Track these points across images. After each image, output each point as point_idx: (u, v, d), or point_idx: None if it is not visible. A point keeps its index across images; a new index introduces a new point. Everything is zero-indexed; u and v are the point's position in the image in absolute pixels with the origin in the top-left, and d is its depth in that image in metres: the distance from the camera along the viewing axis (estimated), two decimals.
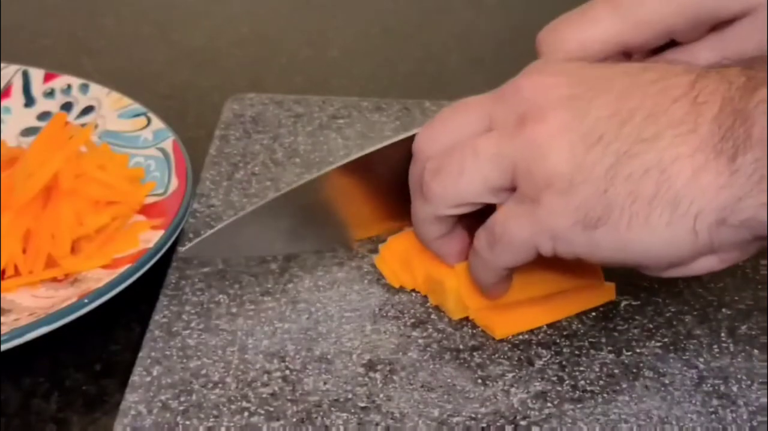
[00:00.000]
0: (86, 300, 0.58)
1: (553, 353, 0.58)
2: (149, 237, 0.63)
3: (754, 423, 0.54)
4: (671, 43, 0.59)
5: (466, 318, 0.60)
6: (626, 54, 0.58)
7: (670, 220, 0.50)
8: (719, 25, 0.57)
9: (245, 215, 0.60)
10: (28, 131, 0.73)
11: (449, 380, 0.56)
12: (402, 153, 0.60)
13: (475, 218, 0.57)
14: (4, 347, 0.56)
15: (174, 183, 0.67)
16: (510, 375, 0.57)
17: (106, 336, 0.61)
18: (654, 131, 0.50)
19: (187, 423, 0.53)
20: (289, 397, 0.55)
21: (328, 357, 0.57)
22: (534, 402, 0.55)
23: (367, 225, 0.64)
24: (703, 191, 0.49)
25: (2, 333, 0.56)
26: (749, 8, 0.57)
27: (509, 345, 0.58)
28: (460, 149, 0.55)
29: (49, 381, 0.58)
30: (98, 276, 0.61)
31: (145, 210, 0.66)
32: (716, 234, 0.50)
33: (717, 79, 0.50)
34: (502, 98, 0.55)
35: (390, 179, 0.61)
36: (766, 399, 0.55)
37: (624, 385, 0.56)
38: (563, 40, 0.57)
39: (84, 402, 0.57)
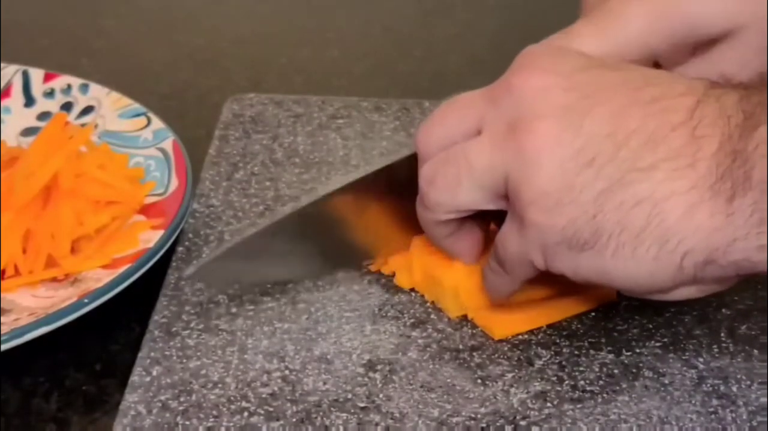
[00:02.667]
0: (86, 300, 0.58)
1: (552, 353, 0.58)
2: (149, 237, 0.63)
3: (754, 423, 0.54)
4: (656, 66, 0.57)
5: (466, 318, 0.60)
6: None
7: (657, 255, 0.49)
8: (701, 48, 0.57)
9: (252, 236, 0.59)
10: (28, 131, 0.74)
11: (449, 380, 0.56)
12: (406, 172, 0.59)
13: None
14: (4, 347, 0.56)
15: (174, 183, 0.67)
16: (510, 375, 0.56)
17: (106, 336, 0.61)
18: (651, 161, 0.49)
19: (187, 423, 0.53)
20: (288, 397, 0.55)
21: (328, 357, 0.57)
22: (534, 402, 0.55)
23: (380, 244, 0.63)
24: (695, 231, 0.48)
25: (2, 333, 0.56)
26: (731, 29, 0.56)
27: (509, 345, 0.58)
28: (454, 158, 0.54)
29: (49, 381, 0.58)
30: (98, 276, 0.61)
31: (145, 210, 0.66)
32: (701, 271, 0.49)
33: (716, 111, 0.49)
34: (493, 98, 0.53)
35: (399, 197, 0.60)
36: (765, 399, 0.55)
37: (624, 385, 0.56)
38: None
39: (84, 402, 0.57)
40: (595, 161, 0.50)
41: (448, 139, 0.55)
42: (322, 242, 0.61)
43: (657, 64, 0.57)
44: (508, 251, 0.54)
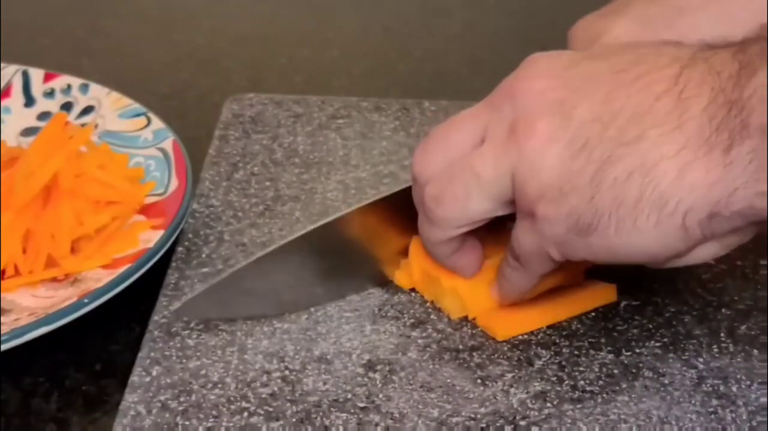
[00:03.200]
0: (86, 300, 0.58)
1: (552, 353, 0.58)
2: (149, 237, 0.63)
3: (754, 423, 0.54)
4: None
5: (466, 318, 0.60)
6: None
7: (658, 221, 0.50)
8: None
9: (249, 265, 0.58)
10: (28, 131, 0.74)
11: (449, 380, 0.56)
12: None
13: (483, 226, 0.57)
14: (4, 347, 0.56)
15: (174, 183, 0.67)
16: (509, 375, 0.57)
17: (106, 336, 0.61)
18: (637, 133, 0.50)
19: (187, 423, 0.53)
20: (288, 397, 0.55)
21: (328, 357, 0.57)
22: (533, 402, 0.55)
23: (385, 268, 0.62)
24: (691, 189, 0.49)
25: (2, 333, 0.56)
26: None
27: (509, 346, 0.58)
28: (459, 173, 0.55)
29: (49, 381, 0.58)
30: (98, 276, 0.61)
31: (145, 210, 0.66)
32: (708, 227, 0.49)
33: (703, 70, 0.50)
34: (493, 106, 0.54)
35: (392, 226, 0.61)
36: (765, 399, 0.55)
37: (623, 385, 0.56)
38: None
39: (84, 402, 0.57)
40: (586, 146, 0.51)
41: (449, 158, 0.55)
42: (314, 273, 0.60)
43: None
44: (524, 249, 0.54)
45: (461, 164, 0.55)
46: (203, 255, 0.64)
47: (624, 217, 0.50)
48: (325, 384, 0.56)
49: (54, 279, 0.62)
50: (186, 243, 0.65)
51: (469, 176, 0.54)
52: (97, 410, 0.56)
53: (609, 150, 0.50)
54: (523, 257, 0.55)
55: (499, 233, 0.58)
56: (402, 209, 0.60)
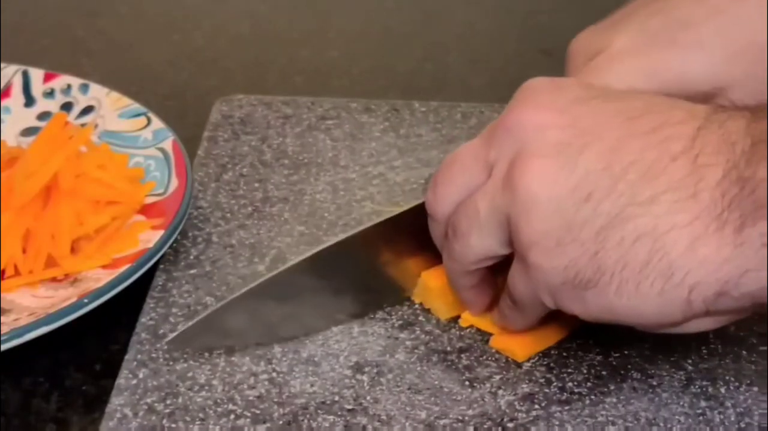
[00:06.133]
0: (86, 300, 0.58)
1: (540, 354, 0.58)
2: (149, 237, 0.63)
3: (742, 425, 0.54)
4: None
5: (454, 320, 0.60)
6: None
7: (662, 290, 0.48)
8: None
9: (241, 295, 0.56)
10: (28, 131, 0.74)
11: (436, 382, 0.56)
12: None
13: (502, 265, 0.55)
14: (4, 347, 0.56)
15: (174, 183, 0.67)
16: (497, 377, 0.56)
17: (106, 336, 0.61)
18: (650, 194, 0.48)
19: (173, 426, 0.53)
20: (275, 400, 0.55)
21: (315, 359, 0.57)
22: (521, 404, 0.55)
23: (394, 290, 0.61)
24: (701, 263, 0.47)
25: (2, 333, 0.56)
26: (720, 87, 0.56)
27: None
28: (464, 209, 0.54)
29: (49, 381, 0.58)
30: (98, 276, 0.61)
31: (145, 210, 0.66)
32: (713, 304, 0.48)
33: (719, 138, 0.48)
34: (493, 140, 0.53)
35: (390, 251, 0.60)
36: (752, 401, 0.55)
37: (612, 387, 0.56)
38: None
39: (84, 402, 0.57)
40: (592, 197, 0.49)
41: (461, 194, 0.54)
42: (313, 300, 0.59)
43: None
44: (519, 292, 0.53)
45: (468, 201, 0.54)
46: (191, 257, 0.64)
47: (628, 279, 0.49)
48: (312, 386, 0.56)
49: (54, 279, 0.62)
50: (174, 245, 0.65)
51: (471, 211, 0.53)
52: (97, 410, 0.56)
53: (619, 207, 0.48)
54: (519, 299, 0.54)
55: None
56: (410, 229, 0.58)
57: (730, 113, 0.49)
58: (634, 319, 0.50)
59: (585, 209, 0.49)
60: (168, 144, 0.70)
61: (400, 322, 0.60)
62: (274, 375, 0.56)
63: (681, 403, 0.55)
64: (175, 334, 0.56)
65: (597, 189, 0.49)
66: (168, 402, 0.55)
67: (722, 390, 0.56)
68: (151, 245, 0.62)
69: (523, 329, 0.56)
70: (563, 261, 0.50)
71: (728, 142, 0.48)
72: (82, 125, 0.72)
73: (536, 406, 0.55)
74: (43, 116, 0.74)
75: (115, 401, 0.55)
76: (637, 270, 0.48)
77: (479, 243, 0.54)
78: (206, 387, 0.55)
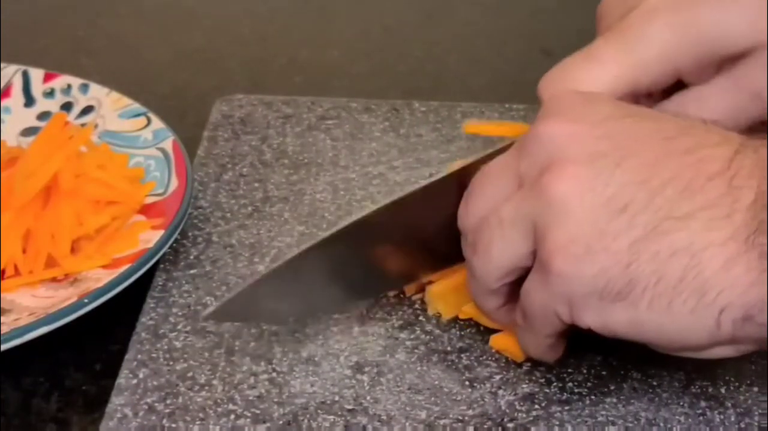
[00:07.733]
0: (86, 300, 0.58)
1: None
2: (149, 237, 0.63)
3: (742, 425, 0.54)
4: (680, 85, 0.56)
5: (455, 320, 0.60)
6: (635, 97, 0.56)
7: (695, 308, 0.47)
8: (726, 65, 0.55)
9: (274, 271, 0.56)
10: (28, 131, 0.73)
11: (437, 382, 0.56)
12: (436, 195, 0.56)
13: None
14: (4, 347, 0.56)
15: (174, 183, 0.67)
16: (497, 377, 0.56)
17: (106, 336, 0.61)
18: (687, 210, 0.48)
19: (173, 425, 0.53)
20: (275, 400, 0.55)
21: (315, 359, 0.57)
22: (521, 404, 0.55)
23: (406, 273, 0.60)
24: (733, 284, 0.47)
25: (2, 333, 0.56)
26: (755, 45, 0.55)
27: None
28: (487, 221, 0.53)
29: (49, 381, 0.58)
30: (98, 276, 0.61)
31: (145, 210, 0.66)
32: (740, 329, 0.48)
33: (754, 162, 0.48)
34: (523, 152, 0.52)
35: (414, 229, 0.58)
36: (752, 401, 0.55)
37: (612, 387, 0.56)
38: (571, 84, 0.54)
39: (84, 402, 0.57)
40: (628, 208, 0.48)
41: (488, 209, 0.53)
42: (345, 272, 0.58)
43: (680, 82, 0.56)
44: (532, 304, 0.52)
45: (491, 212, 0.53)
46: (191, 257, 0.64)
47: (661, 294, 0.48)
48: (312, 386, 0.56)
49: (54, 279, 0.62)
50: (174, 245, 0.65)
51: (494, 222, 0.52)
52: (97, 410, 0.56)
53: (657, 220, 0.48)
54: (530, 314, 0.52)
55: None
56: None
57: (762, 140, 0.49)
58: (658, 336, 0.50)
59: (620, 219, 0.48)
60: (168, 144, 0.70)
61: (400, 322, 0.60)
62: (274, 375, 0.56)
63: (681, 403, 0.55)
64: (213, 308, 0.56)
65: (634, 201, 0.48)
66: (168, 402, 0.55)
67: (722, 390, 0.56)
68: (151, 245, 0.62)
69: (533, 352, 0.55)
70: (592, 270, 0.49)
71: (761, 167, 0.47)
72: (82, 125, 0.72)
73: (536, 406, 0.55)
74: (43, 115, 0.74)
75: (116, 401, 0.55)
76: (672, 285, 0.48)
77: (500, 254, 0.52)
78: (206, 387, 0.55)
